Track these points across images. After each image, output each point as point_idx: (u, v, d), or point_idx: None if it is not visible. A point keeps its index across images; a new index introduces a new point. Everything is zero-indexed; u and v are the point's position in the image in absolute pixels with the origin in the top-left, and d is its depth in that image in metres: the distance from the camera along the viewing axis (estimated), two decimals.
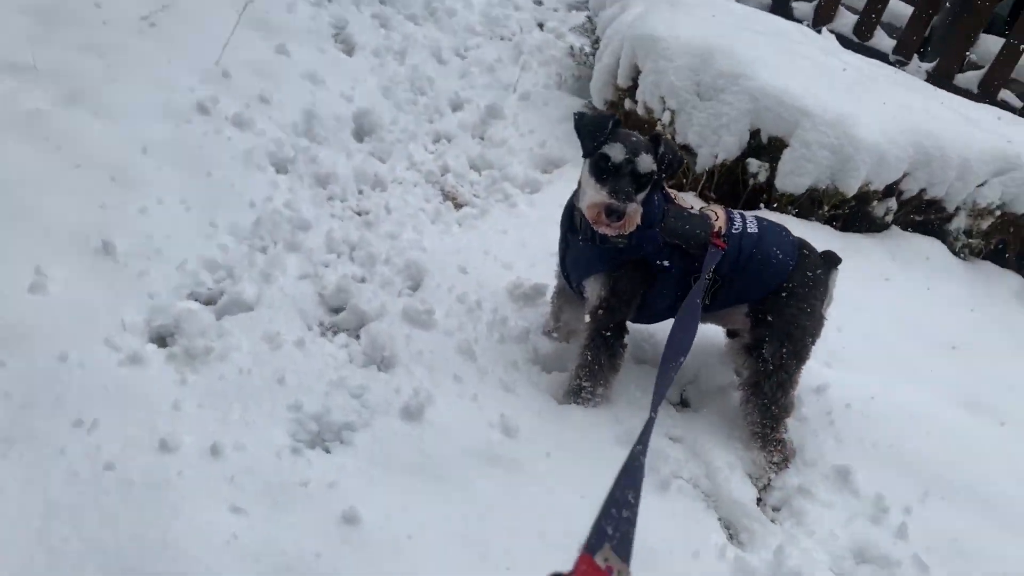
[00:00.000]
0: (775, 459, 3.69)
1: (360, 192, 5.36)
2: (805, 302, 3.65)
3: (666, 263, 3.62)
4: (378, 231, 4.88)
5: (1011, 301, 5.81)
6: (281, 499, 2.90)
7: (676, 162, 3.43)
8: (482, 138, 6.67)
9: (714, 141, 5.67)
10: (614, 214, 3.27)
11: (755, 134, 5.63)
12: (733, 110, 5.58)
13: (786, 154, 5.52)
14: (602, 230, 3.42)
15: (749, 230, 3.69)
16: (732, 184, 5.86)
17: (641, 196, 3.38)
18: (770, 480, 3.68)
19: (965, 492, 3.75)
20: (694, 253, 3.59)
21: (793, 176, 5.50)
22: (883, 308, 5.06)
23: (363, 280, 4.42)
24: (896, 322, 4.98)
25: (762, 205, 5.73)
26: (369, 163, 5.59)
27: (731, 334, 4.09)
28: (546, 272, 4.55)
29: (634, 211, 3.30)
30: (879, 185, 5.64)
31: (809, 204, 5.72)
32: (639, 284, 3.66)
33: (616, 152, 3.31)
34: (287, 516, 2.85)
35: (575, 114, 3.59)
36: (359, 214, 5.08)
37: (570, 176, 5.96)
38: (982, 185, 5.85)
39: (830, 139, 5.41)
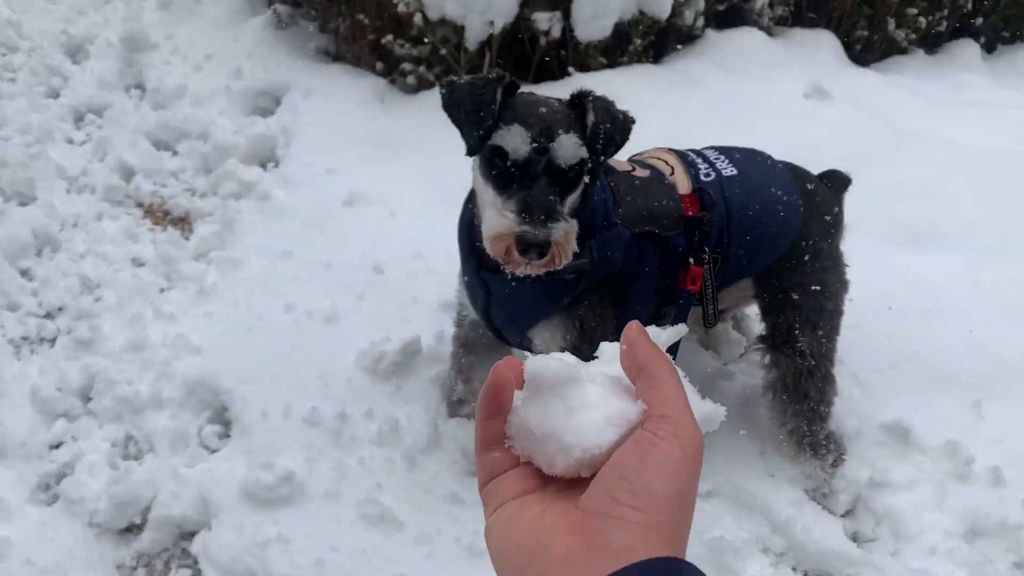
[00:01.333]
0: (831, 460, 2.76)
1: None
2: (831, 259, 2.60)
3: (646, 269, 2.41)
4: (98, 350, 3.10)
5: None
6: None
7: (619, 129, 2.17)
8: (142, 92, 4.61)
9: (482, 6, 4.13)
10: (532, 249, 2.01)
11: None
12: None
13: None
14: (518, 271, 2.14)
15: (725, 172, 2.52)
16: (519, 54, 4.44)
17: (572, 199, 2.15)
18: (831, 485, 2.78)
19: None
20: (668, 235, 2.40)
21: (596, 19, 4.19)
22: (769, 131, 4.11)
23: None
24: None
25: (568, 68, 4.40)
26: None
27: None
28: (404, 310, 3.11)
29: (564, 235, 2.05)
30: None
31: (616, 46, 4.48)
32: (611, 306, 2.43)
33: (516, 140, 2.05)
34: None
35: (442, 86, 2.21)
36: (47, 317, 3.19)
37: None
38: None
39: None
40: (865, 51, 5.61)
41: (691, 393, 0.87)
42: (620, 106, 2.21)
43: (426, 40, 4.45)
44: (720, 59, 4.66)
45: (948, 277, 3.51)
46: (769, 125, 4.29)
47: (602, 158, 2.15)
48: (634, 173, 2.45)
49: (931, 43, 5.84)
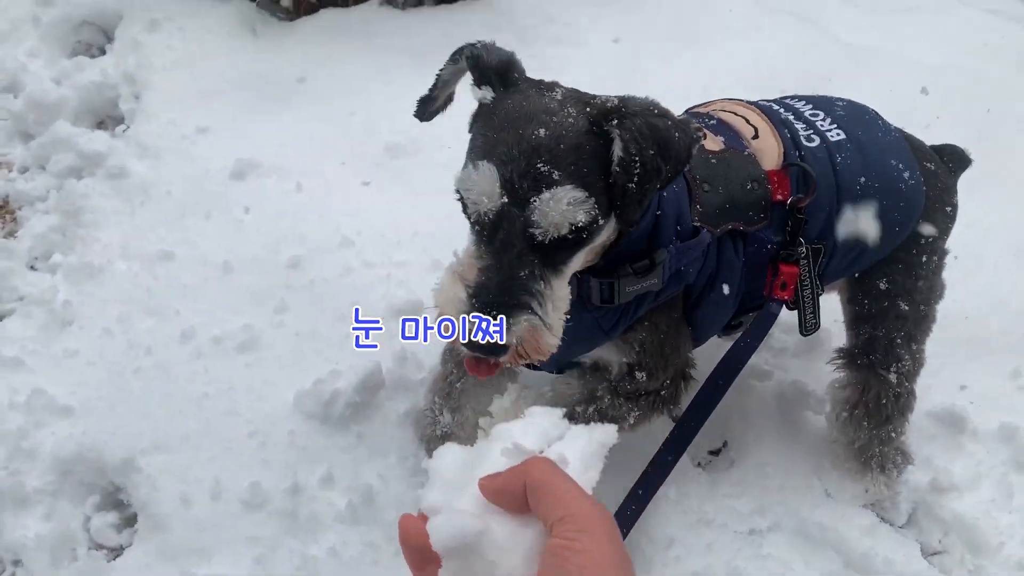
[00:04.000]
0: (896, 473, 2.33)
1: None
2: (942, 260, 2.10)
3: (725, 288, 1.84)
4: None
5: None
6: None
7: (669, 155, 1.44)
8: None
9: None
10: (480, 351, 1.42)
11: None
12: None
13: None
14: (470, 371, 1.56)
15: (831, 136, 1.92)
16: None
17: (576, 259, 1.51)
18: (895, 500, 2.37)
19: None
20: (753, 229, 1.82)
21: None
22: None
23: None
24: None
25: None
26: None
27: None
28: (344, 323, 2.41)
29: (530, 330, 1.42)
30: None
31: None
32: (681, 320, 1.88)
33: (479, 187, 1.43)
34: None
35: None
36: None
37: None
38: None
39: None
40: None
41: (574, 441, 0.98)
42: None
43: None
44: None
45: None
46: (722, 45, 3.73)
47: (638, 203, 1.45)
48: (707, 147, 1.80)
49: None
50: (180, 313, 2.52)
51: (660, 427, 2.04)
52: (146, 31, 3.41)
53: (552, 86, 1.54)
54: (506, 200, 1.39)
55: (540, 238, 1.40)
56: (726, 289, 1.84)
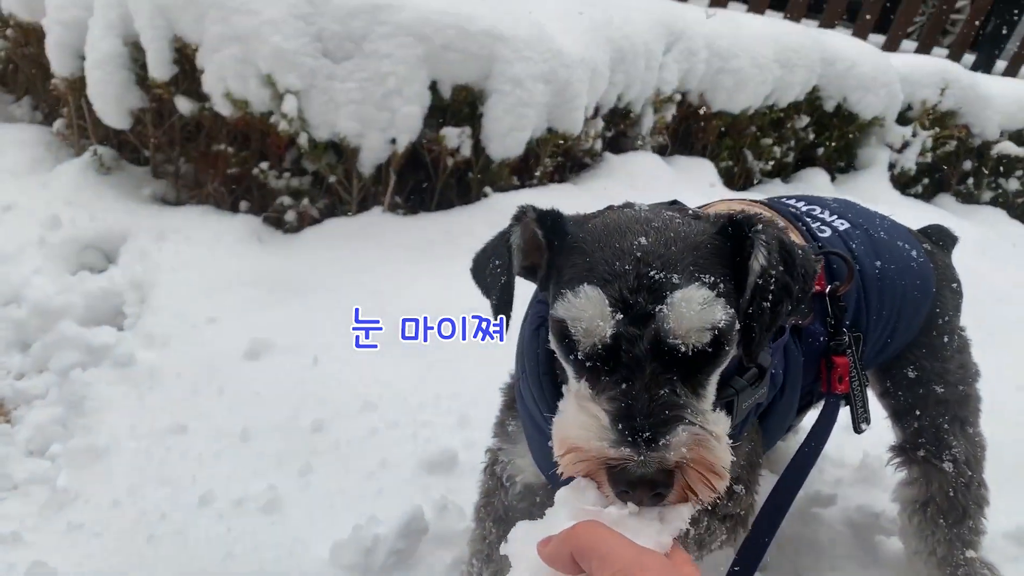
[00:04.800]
0: None
1: None
2: (963, 338, 2.07)
3: (784, 385, 1.68)
4: None
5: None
6: None
7: (798, 277, 1.29)
8: None
9: (385, 120, 3.52)
10: (639, 489, 1.09)
11: (432, 89, 3.62)
12: (394, 63, 3.46)
13: (493, 105, 3.66)
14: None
15: (839, 226, 1.91)
16: (422, 179, 3.84)
17: (710, 390, 1.24)
18: None
19: None
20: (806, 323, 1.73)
21: (512, 133, 3.70)
22: None
23: None
24: None
25: (484, 188, 3.84)
26: None
27: None
28: (375, 480, 2.20)
29: (698, 444, 1.13)
30: (591, 105, 4.16)
31: (523, 169, 4.02)
32: (760, 435, 1.72)
33: (587, 314, 1.19)
34: None
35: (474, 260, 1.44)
36: None
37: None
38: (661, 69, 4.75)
39: (539, 65, 3.69)
40: (729, 184, 5.59)
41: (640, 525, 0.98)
42: None
43: (309, 170, 3.73)
44: (627, 178, 4.33)
45: None
46: None
47: (767, 329, 1.27)
48: None
49: (785, 173, 5.99)
50: (197, 480, 2.33)
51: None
52: (153, 242, 3.48)
53: (630, 204, 1.39)
54: (621, 317, 1.16)
55: (679, 350, 1.17)
56: (794, 385, 1.74)
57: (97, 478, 2.37)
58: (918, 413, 1.99)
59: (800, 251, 1.30)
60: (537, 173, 4.03)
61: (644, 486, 1.09)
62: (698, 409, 1.18)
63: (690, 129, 5.21)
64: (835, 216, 1.95)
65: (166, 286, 3.21)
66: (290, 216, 3.73)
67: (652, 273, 1.17)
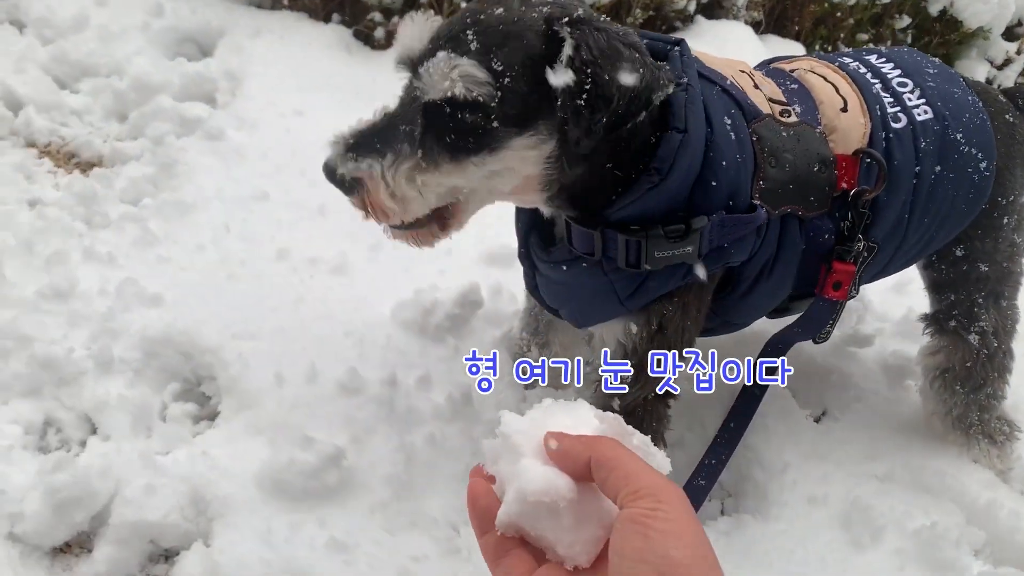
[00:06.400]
0: (1009, 440, 2.21)
1: None
2: (1020, 212, 1.96)
3: (780, 260, 1.67)
4: None
5: None
6: None
7: (630, 96, 1.31)
8: (19, 28, 3.60)
9: None
10: (344, 186, 1.47)
11: None
12: None
13: None
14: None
15: (919, 115, 1.73)
16: None
17: (470, 162, 1.41)
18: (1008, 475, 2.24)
19: None
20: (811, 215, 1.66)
21: None
22: None
23: None
24: None
25: None
26: None
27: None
28: (438, 262, 2.38)
29: (371, 176, 1.41)
30: None
31: (614, 17, 4.00)
32: (705, 304, 1.69)
33: (412, 31, 1.44)
34: None
35: None
36: None
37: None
38: None
39: None
40: None
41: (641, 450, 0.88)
42: None
43: None
44: (716, 43, 4.27)
45: None
46: None
47: (584, 130, 1.31)
48: (780, 119, 1.63)
49: None
50: (275, 239, 2.51)
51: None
52: (248, 38, 3.60)
53: None
54: (423, 53, 1.38)
55: (423, 97, 1.35)
56: (784, 273, 1.70)
57: (184, 227, 2.56)
58: (956, 288, 1.98)
59: (642, 69, 1.31)
60: (627, 21, 4.00)
61: (329, 176, 1.46)
62: (408, 156, 1.37)
63: (786, 12, 5.07)
64: (923, 99, 1.77)
65: (258, 78, 3.34)
66: (379, 33, 3.81)
67: (466, 33, 1.34)
